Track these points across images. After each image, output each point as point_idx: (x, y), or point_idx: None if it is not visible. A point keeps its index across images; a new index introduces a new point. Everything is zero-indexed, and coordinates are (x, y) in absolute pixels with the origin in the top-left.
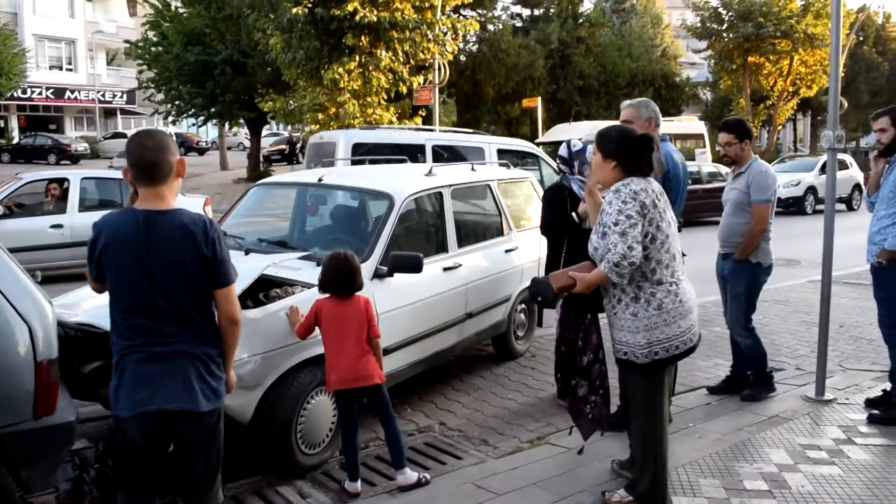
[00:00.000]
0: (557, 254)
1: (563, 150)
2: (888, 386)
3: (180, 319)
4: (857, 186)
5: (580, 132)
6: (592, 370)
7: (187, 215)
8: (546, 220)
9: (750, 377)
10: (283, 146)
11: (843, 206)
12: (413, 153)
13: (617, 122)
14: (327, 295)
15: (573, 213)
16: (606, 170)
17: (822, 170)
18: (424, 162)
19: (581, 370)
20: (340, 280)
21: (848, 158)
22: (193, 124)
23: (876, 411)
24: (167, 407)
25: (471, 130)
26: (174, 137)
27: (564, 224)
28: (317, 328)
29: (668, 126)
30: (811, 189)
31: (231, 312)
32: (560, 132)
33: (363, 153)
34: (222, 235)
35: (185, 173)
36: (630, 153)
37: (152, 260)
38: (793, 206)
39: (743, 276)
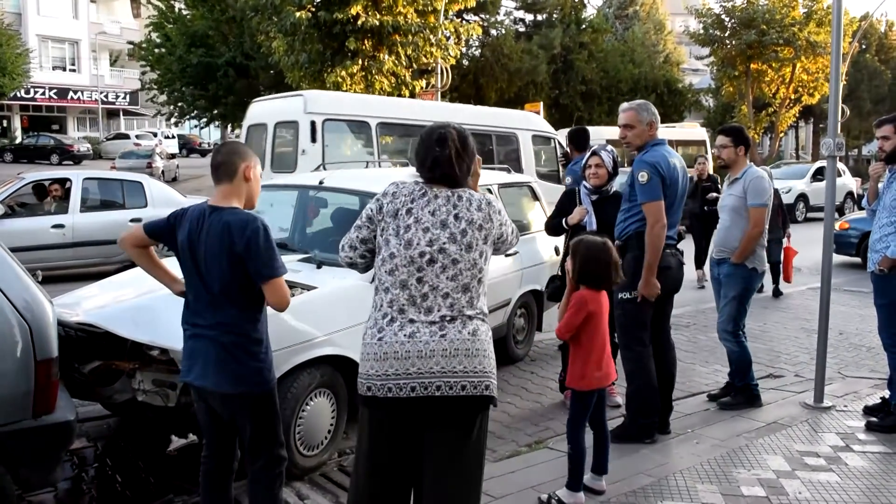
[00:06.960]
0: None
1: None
2: (887, 393)
3: (214, 306)
4: (849, 194)
5: None
6: None
7: (234, 214)
8: (547, 219)
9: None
10: None
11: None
12: None
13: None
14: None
15: (564, 219)
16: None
17: (814, 177)
18: None
19: None
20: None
21: (840, 166)
22: (196, 126)
23: (874, 419)
24: (195, 382)
25: None
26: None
27: (559, 225)
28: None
29: (669, 132)
30: (802, 196)
31: (275, 303)
32: (561, 137)
33: None
34: (264, 235)
35: (251, 178)
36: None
37: (200, 249)
38: None
39: (738, 279)
